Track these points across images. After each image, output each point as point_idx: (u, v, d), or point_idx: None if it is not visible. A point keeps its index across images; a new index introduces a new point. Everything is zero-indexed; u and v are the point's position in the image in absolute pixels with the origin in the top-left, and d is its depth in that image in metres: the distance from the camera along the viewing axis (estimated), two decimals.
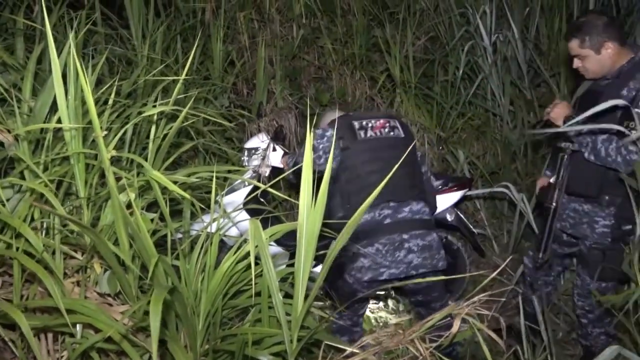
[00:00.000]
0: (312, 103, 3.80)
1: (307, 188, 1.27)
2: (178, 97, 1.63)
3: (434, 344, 1.39)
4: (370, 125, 2.24)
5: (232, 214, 2.10)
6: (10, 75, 1.91)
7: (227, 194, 2.75)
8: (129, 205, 1.37)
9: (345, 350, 1.41)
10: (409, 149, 2.17)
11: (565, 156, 2.29)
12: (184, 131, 2.45)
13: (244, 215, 2.49)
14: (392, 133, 2.24)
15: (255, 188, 2.55)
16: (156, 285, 1.22)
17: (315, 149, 2.26)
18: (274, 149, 2.88)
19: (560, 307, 2.81)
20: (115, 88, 1.69)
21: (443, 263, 2.15)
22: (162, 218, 1.52)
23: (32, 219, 1.43)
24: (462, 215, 2.95)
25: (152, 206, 1.68)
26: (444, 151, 3.75)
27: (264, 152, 2.88)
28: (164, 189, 1.38)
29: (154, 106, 1.80)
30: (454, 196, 2.89)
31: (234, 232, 2.30)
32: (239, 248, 1.49)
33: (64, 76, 1.41)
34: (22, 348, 1.39)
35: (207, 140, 2.81)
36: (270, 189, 1.53)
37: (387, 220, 2.10)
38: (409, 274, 2.09)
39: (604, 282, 2.28)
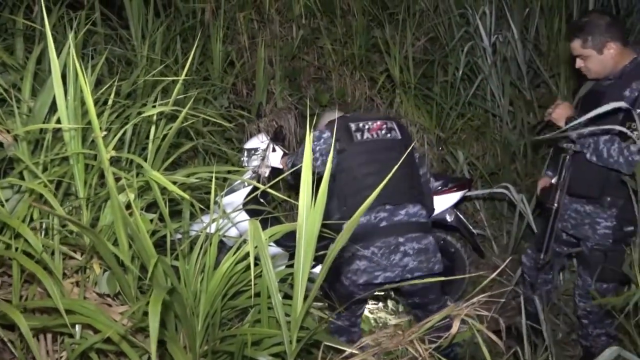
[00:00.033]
0: (311, 103, 3.80)
1: (306, 189, 1.26)
2: (178, 97, 1.63)
3: (434, 345, 1.39)
4: (367, 127, 2.22)
5: (231, 215, 2.10)
6: (10, 76, 1.91)
7: (226, 194, 2.75)
8: (128, 206, 1.37)
9: (344, 351, 1.41)
10: (406, 150, 2.17)
11: (567, 157, 2.28)
12: (184, 131, 2.45)
13: (243, 215, 2.49)
14: (389, 135, 2.23)
15: (255, 189, 2.55)
16: (155, 286, 1.22)
17: (312, 151, 2.26)
18: (274, 150, 2.88)
19: (561, 308, 2.81)
20: (114, 88, 1.69)
21: (439, 266, 2.14)
22: (161, 218, 1.51)
23: (32, 219, 1.43)
24: (461, 216, 2.95)
25: (151, 206, 1.68)
26: (444, 152, 3.75)
27: (263, 152, 2.88)
28: (164, 190, 1.38)
29: (154, 106, 1.80)
30: (454, 197, 2.89)
31: (233, 232, 2.30)
32: (238, 249, 1.49)
33: (64, 76, 1.41)
34: (21, 348, 1.39)
35: (206, 140, 2.81)
36: (269, 190, 1.53)
37: (383, 223, 2.09)
38: (404, 277, 2.07)
39: (605, 283, 2.28)
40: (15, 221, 1.31)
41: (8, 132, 1.48)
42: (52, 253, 1.41)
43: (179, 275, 1.46)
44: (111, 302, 1.48)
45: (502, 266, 1.66)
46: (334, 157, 2.14)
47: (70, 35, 1.42)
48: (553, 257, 2.47)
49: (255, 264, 1.32)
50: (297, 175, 2.09)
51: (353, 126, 2.21)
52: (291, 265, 1.39)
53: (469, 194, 3.10)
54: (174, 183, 1.34)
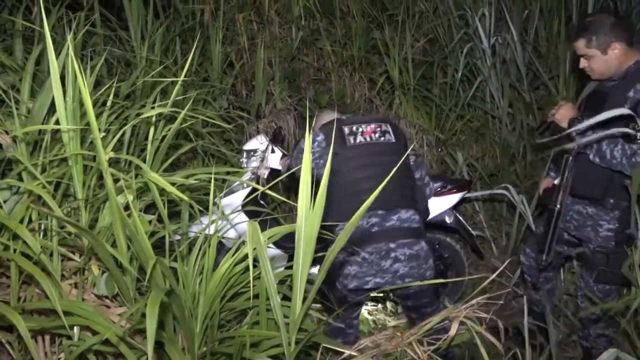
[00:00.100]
0: (311, 105, 3.80)
1: (305, 190, 1.26)
2: (177, 98, 1.63)
3: (432, 347, 1.39)
4: (360, 130, 2.19)
5: (230, 216, 2.10)
6: (9, 77, 1.91)
7: (225, 195, 2.75)
8: (127, 207, 1.36)
9: (343, 353, 1.41)
10: (400, 154, 2.15)
11: (570, 158, 2.26)
12: (183, 133, 2.45)
13: (242, 217, 2.48)
14: (382, 138, 2.20)
15: (254, 190, 2.55)
16: (153, 288, 1.22)
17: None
18: (273, 151, 2.88)
19: (561, 310, 2.81)
20: (113, 89, 1.69)
21: (431, 272, 2.11)
22: (160, 220, 1.51)
23: (30, 221, 1.42)
24: (460, 218, 2.95)
25: (150, 208, 1.67)
26: (443, 153, 3.76)
27: (262, 153, 2.87)
28: (162, 191, 1.38)
29: (153, 108, 1.80)
30: (453, 198, 2.89)
31: (232, 234, 2.30)
32: (237, 250, 1.49)
33: (63, 77, 1.40)
34: (19, 350, 1.39)
35: (205, 142, 2.81)
36: (268, 191, 1.53)
37: (375, 229, 2.06)
38: (394, 283, 2.06)
39: (608, 285, 2.28)
40: (14, 222, 1.31)
41: (7, 133, 1.48)
42: (51, 254, 1.41)
43: (178, 277, 1.46)
44: (109, 304, 1.48)
45: (502, 267, 1.65)
46: (324, 162, 2.12)
47: (69, 37, 1.42)
48: (555, 258, 2.46)
49: (254, 266, 1.32)
50: (291, 178, 2.09)
51: (346, 129, 2.19)
52: (290, 267, 1.39)
53: (468, 195, 3.10)
54: (173, 184, 1.34)
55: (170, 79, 2.33)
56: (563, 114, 2.22)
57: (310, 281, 1.36)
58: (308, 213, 1.27)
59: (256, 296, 1.48)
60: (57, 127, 1.42)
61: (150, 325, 1.03)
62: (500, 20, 3.70)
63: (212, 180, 1.49)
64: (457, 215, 2.94)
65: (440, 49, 3.97)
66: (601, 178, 2.18)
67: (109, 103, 1.69)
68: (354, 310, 2.26)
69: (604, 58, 2.14)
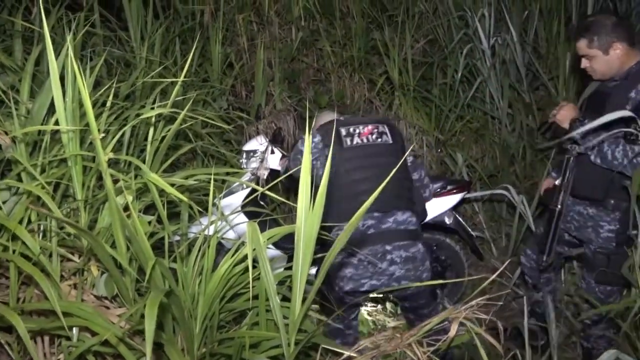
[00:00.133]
0: (310, 105, 3.80)
1: (305, 191, 1.26)
2: (176, 99, 1.63)
3: (432, 348, 1.39)
4: (357, 131, 2.18)
5: (230, 217, 2.10)
6: (8, 77, 1.91)
7: (225, 196, 2.75)
8: (126, 208, 1.36)
9: (342, 354, 1.41)
10: (397, 155, 2.14)
11: (571, 158, 2.26)
12: (182, 133, 2.45)
13: (242, 217, 2.48)
14: (379, 140, 2.19)
15: (254, 191, 2.55)
16: (152, 289, 1.21)
17: (303, 155, 2.24)
18: (273, 152, 2.88)
19: (561, 311, 2.81)
20: (113, 90, 1.69)
21: (427, 275, 2.10)
22: (159, 220, 1.51)
23: (29, 221, 1.42)
24: (460, 219, 2.94)
25: (149, 208, 1.67)
26: (443, 154, 3.76)
27: (262, 154, 2.87)
28: (162, 192, 1.38)
29: (152, 108, 1.80)
30: (453, 199, 2.88)
31: (231, 235, 2.29)
32: (236, 251, 1.49)
33: (62, 78, 1.40)
34: (18, 351, 1.39)
35: (205, 142, 2.80)
36: (268, 192, 1.53)
37: (371, 231, 2.05)
38: (390, 285, 2.05)
39: (609, 286, 2.27)
40: (13, 223, 1.31)
41: (6, 133, 1.48)
42: (50, 255, 1.41)
43: (177, 278, 1.46)
44: (109, 305, 1.48)
45: (501, 268, 1.65)
46: (321, 164, 2.11)
47: (69, 37, 1.42)
48: (556, 258, 2.46)
49: (254, 266, 1.32)
50: (289, 179, 2.08)
51: (343, 131, 2.18)
52: (290, 268, 1.39)
53: (468, 195, 3.10)
54: (172, 185, 1.34)
55: (170, 80, 2.33)
56: (564, 114, 2.21)
57: (309, 282, 1.36)
58: (307, 214, 1.27)
59: (256, 297, 1.48)
60: (56, 127, 1.42)
61: (149, 326, 1.03)
62: (499, 21, 3.70)
63: (212, 181, 1.49)
64: (457, 216, 2.93)
65: (440, 50, 3.97)
66: (602, 179, 2.17)
67: (108, 103, 1.69)
68: (352, 312, 2.25)
69: (606, 58, 2.14)
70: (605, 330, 2.35)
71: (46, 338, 1.42)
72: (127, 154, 1.85)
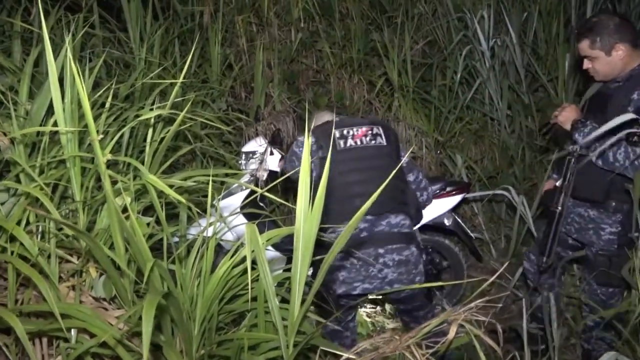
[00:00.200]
0: (310, 107, 3.80)
1: (304, 192, 1.26)
2: (175, 100, 1.63)
3: (431, 350, 1.39)
4: (351, 133, 2.18)
5: (229, 218, 2.10)
6: (7, 78, 1.91)
7: (224, 197, 2.75)
8: (125, 209, 1.36)
9: (341, 356, 1.40)
10: (391, 157, 2.13)
11: (572, 160, 2.24)
12: (182, 135, 2.45)
13: (241, 219, 2.48)
14: (373, 142, 2.17)
15: (253, 192, 2.55)
16: (150, 290, 1.21)
17: (297, 157, 2.24)
18: (272, 153, 2.87)
19: (562, 313, 2.80)
20: (112, 91, 1.69)
21: (421, 278, 2.09)
22: (158, 222, 1.51)
23: (28, 223, 1.42)
24: (459, 220, 2.94)
25: (148, 210, 1.67)
26: (442, 155, 3.76)
27: (261, 155, 2.87)
28: (161, 193, 1.38)
29: (151, 109, 1.80)
30: (452, 201, 2.88)
31: (230, 236, 2.29)
32: (235, 252, 1.48)
33: (61, 79, 1.40)
34: (16, 353, 1.38)
35: (204, 144, 2.80)
36: (267, 193, 1.53)
37: (364, 234, 2.05)
38: (382, 289, 2.04)
39: (611, 288, 2.27)
40: (11, 224, 1.31)
41: (5, 134, 1.48)
42: (48, 257, 1.41)
43: (176, 279, 1.46)
44: (107, 306, 1.48)
45: (500, 270, 1.65)
46: (316, 165, 2.10)
47: (68, 38, 1.42)
48: (556, 260, 2.45)
49: (253, 268, 1.32)
50: (287, 180, 2.08)
51: (337, 133, 2.17)
52: (288, 269, 1.38)
53: (468, 196, 3.10)
54: (171, 186, 1.33)
55: (169, 81, 2.33)
56: (566, 115, 2.20)
57: (306, 283, 1.36)
58: (307, 215, 1.27)
59: (254, 299, 1.48)
60: (55, 128, 1.41)
61: (146, 328, 1.03)
62: (499, 23, 3.70)
63: (211, 183, 1.49)
64: (456, 217, 2.93)
65: (439, 51, 3.97)
66: (603, 180, 2.15)
67: (107, 105, 1.69)
68: (349, 313, 2.25)
69: (608, 59, 2.12)
70: (605, 332, 2.34)
71: (44, 339, 1.41)
72: (126, 155, 1.85)
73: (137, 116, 1.70)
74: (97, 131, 1.31)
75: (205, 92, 3.43)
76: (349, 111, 3.88)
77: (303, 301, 1.33)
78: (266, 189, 1.58)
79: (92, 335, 1.34)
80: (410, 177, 2.30)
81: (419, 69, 3.87)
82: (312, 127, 2.47)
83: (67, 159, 1.43)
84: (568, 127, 2.19)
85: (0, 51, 2.08)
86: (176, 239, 1.65)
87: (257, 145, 2.95)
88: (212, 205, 1.52)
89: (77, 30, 2.31)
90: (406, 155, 2.24)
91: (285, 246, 2.66)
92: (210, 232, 1.53)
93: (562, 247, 2.45)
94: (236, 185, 2.75)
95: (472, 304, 1.38)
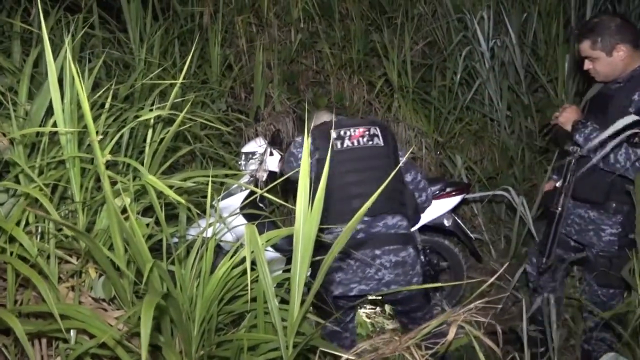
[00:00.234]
0: (310, 107, 3.79)
1: (303, 193, 1.26)
2: (175, 101, 1.63)
3: (430, 351, 1.39)
4: (348, 134, 2.17)
5: (228, 219, 2.10)
6: (7, 79, 1.91)
7: (223, 198, 2.74)
8: (124, 210, 1.36)
9: (341, 357, 1.40)
10: (388, 158, 2.12)
11: (573, 160, 2.24)
12: (181, 135, 2.44)
13: (240, 220, 2.48)
14: (370, 142, 2.16)
15: (252, 193, 2.54)
16: (149, 291, 1.21)
17: (295, 158, 2.24)
18: (271, 154, 2.87)
19: (561, 314, 2.80)
20: (112, 92, 1.68)
21: (418, 279, 2.08)
22: (157, 223, 1.51)
23: (27, 223, 1.42)
24: (459, 221, 2.94)
25: (148, 210, 1.67)
26: (442, 156, 3.76)
27: (261, 156, 2.87)
28: (160, 194, 1.37)
29: (151, 110, 1.80)
30: (452, 201, 2.88)
31: (230, 237, 2.29)
32: (235, 253, 1.48)
33: (61, 80, 1.40)
34: (15, 354, 1.38)
35: (204, 144, 2.80)
36: (266, 194, 1.53)
37: (360, 235, 2.04)
38: (379, 290, 2.04)
39: (612, 289, 2.27)
40: (10, 225, 1.31)
41: (4, 135, 1.48)
42: (48, 257, 1.40)
43: (175, 280, 1.46)
44: (107, 307, 1.47)
45: (500, 271, 1.65)
46: (313, 167, 2.10)
47: (67, 39, 1.41)
48: (555, 261, 2.45)
49: (252, 269, 1.32)
50: (285, 181, 2.08)
51: (333, 134, 2.16)
52: (288, 270, 1.38)
53: (467, 197, 3.10)
54: (171, 187, 1.33)
55: (169, 82, 2.32)
56: (567, 116, 2.20)
57: (305, 284, 1.36)
58: (306, 216, 1.27)
59: (254, 299, 1.48)
60: (54, 129, 1.41)
61: (145, 329, 1.03)
62: (498, 23, 3.70)
63: (210, 183, 1.49)
64: (456, 218, 2.93)
65: (439, 52, 3.97)
66: (603, 181, 2.15)
67: (107, 105, 1.68)
68: (348, 314, 2.24)
69: (609, 60, 2.12)
70: (605, 332, 2.34)
71: (43, 340, 1.41)
72: (125, 156, 1.85)
73: (136, 117, 1.70)
74: (97, 132, 1.31)
75: (205, 93, 3.42)
76: (348, 112, 3.88)
77: (302, 302, 1.33)
78: (266, 189, 1.58)
79: (91, 336, 1.34)
80: (408, 177, 2.29)
81: (418, 70, 3.87)
82: (310, 127, 2.47)
83: (66, 160, 1.43)
84: (569, 128, 2.19)
85: (0, 52, 2.08)
86: (176, 240, 1.65)
87: (256, 145, 2.95)
88: (212, 206, 1.52)
89: (77, 31, 2.31)
90: (406, 155, 2.23)
91: (285, 247, 2.66)
92: (209, 232, 1.53)
93: (564, 249, 2.45)
94: (236, 185, 2.75)
95: (472, 305, 1.38)
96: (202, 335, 1.47)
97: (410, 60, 3.76)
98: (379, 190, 1.23)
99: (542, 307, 2.53)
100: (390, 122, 3.74)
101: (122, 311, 1.45)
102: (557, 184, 2.40)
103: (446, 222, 2.88)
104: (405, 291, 2.07)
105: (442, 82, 3.87)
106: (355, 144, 2.16)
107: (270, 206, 3.31)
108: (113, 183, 1.40)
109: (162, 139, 1.69)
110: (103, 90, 1.69)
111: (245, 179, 2.82)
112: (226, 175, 2.35)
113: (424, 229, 2.86)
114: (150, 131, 1.72)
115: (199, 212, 1.54)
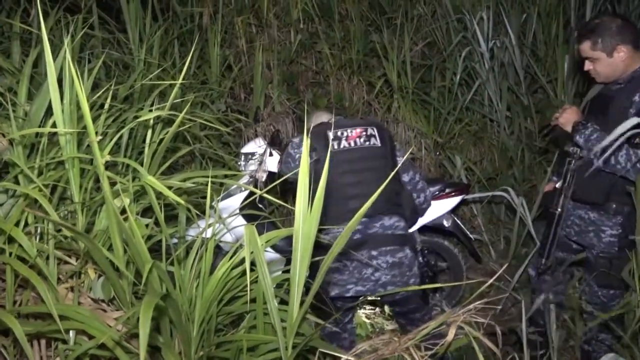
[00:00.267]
0: (309, 108, 3.79)
1: (303, 194, 1.26)
2: (175, 101, 1.63)
3: (430, 352, 1.39)
4: (345, 135, 2.16)
5: (228, 220, 2.09)
6: (6, 79, 1.91)
7: (223, 199, 2.74)
8: (123, 211, 1.36)
9: (340, 358, 1.40)
10: (385, 158, 2.12)
11: (573, 161, 2.23)
12: (181, 136, 2.44)
13: (240, 220, 2.48)
14: (367, 143, 2.16)
15: (252, 193, 2.54)
16: (148, 292, 1.21)
17: (292, 159, 2.24)
18: (271, 154, 2.87)
19: (560, 314, 2.80)
20: (111, 92, 1.68)
21: (415, 280, 2.08)
22: (157, 223, 1.51)
23: (26, 224, 1.42)
24: (459, 221, 2.94)
25: (147, 211, 1.67)
26: (441, 157, 3.76)
27: (260, 157, 2.87)
28: (159, 194, 1.37)
29: (151, 110, 1.79)
30: (451, 202, 2.88)
31: (229, 237, 2.29)
32: (234, 254, 1.48)
33: (60, 80, 1.40)
34: (14, 354, 1.38)
35: (203, 145, 2.80)
36: (266, 195, 1.53)
37: (357, 236, 2.04)
38: (375, 291, 2.03)
39: (612, 290, 2.27)
40: (9, 225, 1.30)
41: (3, 135, 1.48)
42: (47, 258, 1.40)
43: (175, 281, 1.46)
44: (106, 308, 1.47)
45: (500, 272, 1.65)
46: (310, 168, 2.09)
47: (67, 39, 1.41)
48: (554, 262, 2.44)
49: (252, 269, 1.32)
50: (284, 182, 2.08)
51: (331, 134, 2.16)
52: (287, 271, 1.38)
53: (467, 197, 3.10)
54: (170, 188, 1.33)
55: (169, 82, 2.32)
56: (567, 117, 2.19)
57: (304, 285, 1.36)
58: (306, 216, 1.27)
59: (253, 300, 1.48)
60: (54, 130, 1.41)
61: (143, 330, 1.03)
62: (498, 24, 3.70)
63: (210, 184, 1.49)
64: (455, 218, 2.93)
65: (439, 53, 3.97)
66: (603, 183, 2.15)
67: (106, 106, 1.68)
68: (347, 315, 2.24)
69: (610, 61, 2.11)
70: (607, 334, 2.34)
71: (43, 341, 1.41)
72: (125, 157, 1.85)
73: (136, 117, 1.70)
74: (96, 132, 1.31)
75: (204, 93, 3.42)
76: (348, 112, 3.88)
77: (302, 303, 1.33)
78: (265, 190, 1.58)
79: (90, 337, 1.34)
80: (405, 178, 2.28)
81: (418, 70, 3.87)
82: (306, 128, 2.46)
83: (65, 160, 1.43)
84: (569, 128, 2.18)
85: None
86: (175, 241, 1.65)
87: (256, 146, 2.95)
88: (211, 207, 1.52)
89: (76, 31, 2.31)
90: (405, 156, 2.23)
91: (284, 247, 2.66)
92: (209, 233, 1.53)
93: (566, 251, 2.44)
94: (235, 186, 2.75)
95: (471, 306, 1.38)
96: (202, 336, 1.47)
97: (410, 61, 3.76)
98: (379, 191, 1.22)
99: (541, 308, 2.53)
100: (390, 122, 3.74)
101: (122, 312, 1.45)
102: (557, 185, 2.40)
103: (446, 223, 2.88)
104: (403, 292, 2.07)
105: (442, 82, 3.88)
106: (353, 144, 2.15)
107: (269, 207, 3.31)
108: (112, 184, 1.40)
109: (161, 140, 1.69)
110: (102, 90, 1.69)
111: (245, 179, 2.82)
112: (226, 176, 2.35)
113: (424, 229, 2.86)
114: (149, 132, 1.71)
115: (198, 212, 1.54)
